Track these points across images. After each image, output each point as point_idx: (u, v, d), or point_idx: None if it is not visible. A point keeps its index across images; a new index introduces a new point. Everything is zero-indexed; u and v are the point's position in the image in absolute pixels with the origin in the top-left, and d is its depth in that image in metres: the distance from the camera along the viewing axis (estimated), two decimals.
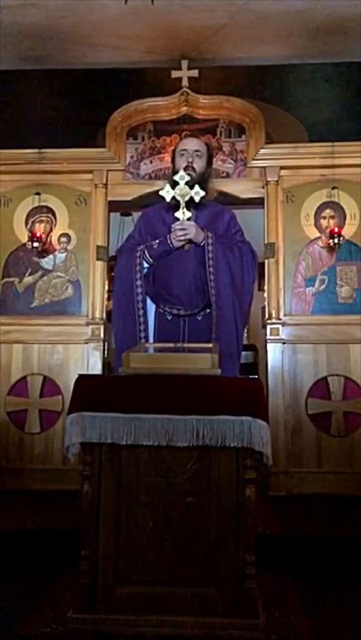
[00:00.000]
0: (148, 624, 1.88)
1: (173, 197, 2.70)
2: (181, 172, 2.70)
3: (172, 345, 2.60)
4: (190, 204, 2.71)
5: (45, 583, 2.52)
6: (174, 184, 2.69)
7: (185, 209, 2.69)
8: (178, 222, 2.71)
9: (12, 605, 2.33)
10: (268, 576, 2.52)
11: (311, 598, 2.40)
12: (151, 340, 2.76)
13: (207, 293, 2.73)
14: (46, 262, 4.19)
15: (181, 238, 2.72)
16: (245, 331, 2.98)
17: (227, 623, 1.87)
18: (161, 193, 2.72)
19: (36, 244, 4.06)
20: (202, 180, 2.79)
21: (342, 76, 4.53)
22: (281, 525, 3.10)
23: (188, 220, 2.72)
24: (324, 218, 4.11)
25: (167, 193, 2.70)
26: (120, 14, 3.89)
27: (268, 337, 4.00)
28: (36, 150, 4.20)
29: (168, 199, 2.71)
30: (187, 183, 2.67)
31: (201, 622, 1.88)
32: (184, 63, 4.22)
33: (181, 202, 2.69)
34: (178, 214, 2.70)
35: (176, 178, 2.69)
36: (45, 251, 4.18)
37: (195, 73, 4.20)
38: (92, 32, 4.19)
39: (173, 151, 3.00)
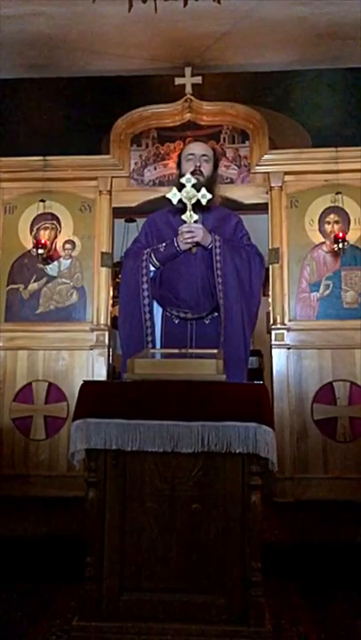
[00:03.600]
0: (153, 632, 1.87)
1: (180, 200, 2.68)
2: (188, 175, 2.68)
3: (176, 351, 2.59)
4: (197, 207, 2.69)
5: (51, 590, 2.51)
6: (181, 187, 2.68)
7: (192, 212, 2.68)
8: (185, 225, 2.69)
9: (18, 613, 2.32)
10: (275, 583, 2.50)
11: (318, 605, 2.38)
12: (158, 343, 2.75)
13: (215, 297, 2.70)
14: (51, 269, 4.20)
15: (189, 241, 2.70)
16: (251, 334, 2.95)
17: (233, 631, 1.86)
18: (168, 195, 2.70)
19: (40, 251, 4.08)
20: (209, 183, 2.78)
21: (345, 81, 4.53)
22: (287, 532, 3.08)
23: (195, 222, 2.70)
24: (329, 223, 4.11)
25: (174, 195, 2.67)
26: (124, 22, 3.91)
27: (273, 342, 3.99)
28: (41, 157, 4.22)
29: (175, 202, 2.68)
30: (193, 186, 2.66)
31: (207, 630, 1.87)
32: (188, 70, 4.25)
33: (188, 204, 2.66)
34: (185, 217, 2.68)
35: (183, 180, 2.67)
36: (50, 257, 4.19)
37: (198, 80, 4.22)
38: (95, 40, 4.22)
39: (179, 155, 2.97)
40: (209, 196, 2.67)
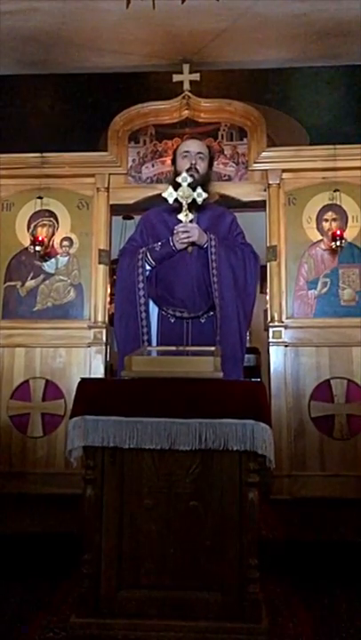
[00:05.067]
0: (151, 629, 1.88)
1: (176, 199, 2.68)
2: (184, 174, 2.68)
3: (174, 348, 2.59)
4: (192, 206, 2.69)
5: (48, 588, 2.52)
6: (177, 186, 2.68)
7: (187, 211, 2.68)
8: (181, 224, 2.69)
9: (15, 610, 2.32)
10: (271, 580, 2.51)
11: (314, 602, 2.39)
12: (154, 342, 2.75)
13: (210, 296, 2.71)
14: (48, 266, 4.20)
15: (185, 240, 2.70)
16: (248, 333, 2.96)
17: (230, 627, 1.87)
18: (163, 195, 2.70)
19: (38, 248, 4.07)
20: (204, 182, 2.78)
21: (344, 78, 4.53)
22: (284, 529, 3.09)
23: (191, 222, 2.70)
24: (327, 220, 4.11)
25: (170, 195, 2.68)
26: (121, 19, 3.90)
27: (270, 340, 4.00)
28: (38, 154, 4.21)
29: (171, 201, 2.69)
30: (189, 185, 2.66)
31: (204, 626, 1.87)
32: (185, 67, 4.24)
33: (184, 204, 2.66)
34: (180, 216, 2.68)
35: (179, 180, 2.67)
36: (47, 254, 4.18)
37: (196, 76, 4.22)
38: (93, 37, 4.20)
39: (174, 152, 2.97)
40: (205, 195, 2.67)
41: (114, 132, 4.24)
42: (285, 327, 3.99)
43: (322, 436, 3.88)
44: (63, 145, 4.34)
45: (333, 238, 3.97)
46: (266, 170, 4.17)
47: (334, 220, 4.10)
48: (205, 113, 4.26)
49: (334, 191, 4.10)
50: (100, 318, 4.10)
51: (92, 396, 2.02)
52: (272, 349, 3.99)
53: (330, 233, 4.04)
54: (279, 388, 3.92)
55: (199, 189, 2.66)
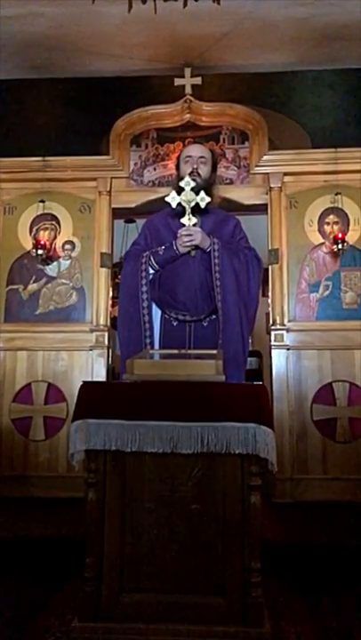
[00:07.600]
0: (153, 633, 1.87)
1: (179, 204, 2.69)
2: (187, 178, 2.70)
3: (176, 351, 2.59)
4: (195, 210, 2.70)
5: (50, 591, 2.51)
6: (180, 190, 2.69)
7: (191, 215, 2.69)
8: (184, 228, 2.70)
9: (16, 614, 2.31)
10: (274, 584, 2.50)
11: (316, 606, 2.38)
12: (157, 346, 2.76)
13: (213, 299, 2.71)
14: (51, 269, 4.21)
15: (188, 244, 2.71)
16: (250, 337, 2.96)
17: (233, 631, 1.86)
18: (167, 199, 2.72)
19: (40, 252, 4.08)
20: (207, 186, 2.79)
21: (345, 82, 4.54)
22: (286, 532, 3.08)
23: (194, 225, 2.71)
24: (328, 224, 4.11)
25: (173, 199, 2.69)
26: (123, 23, 3.92)
27: (272, 343, 4.00)
28: (41, 158, 4.23)
29: (174, 205, 2.70)
30: (192, 189, 2.67)
31: (207, 631, 1.86)
32: (187, 71, 4.26)
33: (187, 208, 2.68)
34: (184, 220, 2.69)
35: (182, 184, 2.69)
36: (50, 258, 4.19)
37: (198, 80, 4.23)
38: (95, 41, 4.22)
39: (178, 158, 2.99)
40: (208, 199, 2.68)
41: (116, 136, 4.25)
42: (287, 330, 3.99)
43: (324, 439, 3.87)
44: (65, 149, 4.35)
45: (335, 241, 3.97)
46: (267, 173, 4.17)
47: (336, 223, 4.10)
48: (207, 116, 4.27)
49: (336, 194, 4.10)
50: (102, 321, 4.10)
51: (94, 399, 2.02)
52: (274, 352, 3.99)
53: (331, 236, 4.04)
54: (281, 391, 3.92)
55: (202, 193, 2.68)
